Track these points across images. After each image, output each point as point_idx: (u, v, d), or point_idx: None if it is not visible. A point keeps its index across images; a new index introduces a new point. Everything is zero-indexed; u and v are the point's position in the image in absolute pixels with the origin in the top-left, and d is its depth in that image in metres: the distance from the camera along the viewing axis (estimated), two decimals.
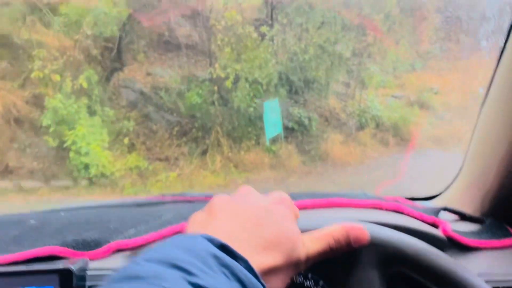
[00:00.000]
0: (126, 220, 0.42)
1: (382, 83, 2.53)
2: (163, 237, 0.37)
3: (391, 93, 2.65)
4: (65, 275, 0.35)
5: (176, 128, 2.76)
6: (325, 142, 2.69)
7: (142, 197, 0.59)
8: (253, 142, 3.08)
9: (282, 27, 3.03)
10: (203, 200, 0.49)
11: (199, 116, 2.95)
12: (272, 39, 3.08)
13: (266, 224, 0.23)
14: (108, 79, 2.60)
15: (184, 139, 2.89)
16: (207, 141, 3.09)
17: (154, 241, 0.37)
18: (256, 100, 3.09)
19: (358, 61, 2.74)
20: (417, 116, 2.41)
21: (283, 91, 2.90)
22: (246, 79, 3.11)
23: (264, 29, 2.97)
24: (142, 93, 2.62)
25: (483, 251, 0.47)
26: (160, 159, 2.62)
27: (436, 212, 0.50)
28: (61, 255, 0.37)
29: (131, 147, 2.53)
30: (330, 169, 2.47)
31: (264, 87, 3.08)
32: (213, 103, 3.17)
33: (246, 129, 3.16)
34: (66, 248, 0.38)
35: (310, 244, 0.25)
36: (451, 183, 0.60)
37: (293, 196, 0.39)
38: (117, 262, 0.37)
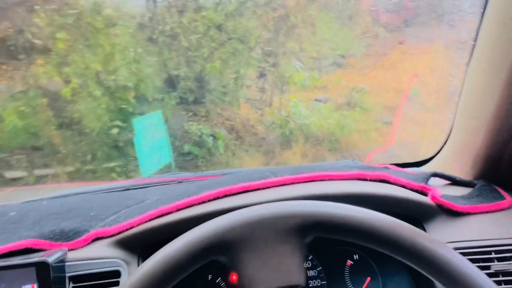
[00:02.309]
0: (107, 207, 0.80)
1: (305, 82, 3.27)
2: (140, 223, 0.76)
3: (313, 96, 3.39)
4: (42, 267, 0.64)
5: None
6: None
7: (130, 180, 0.98)
8: None
9: None
10: (192, 180, 0.90)
11: (27, 149, 3.00)
12: (133, 16, 3.32)
13: None
14: None
15: None
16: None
17: (131, 227, 0.76)
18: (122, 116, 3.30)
19: (273, 49, 3.37)
20: (357, 121, 3.18)
21: (169, 99, 3.26)
22: (100, 83, 3.24)
23: None
24: None
25: (474, 216, 0.77)
26: None
27: (426, 178, 0.86)
28: (37, 247, 0.71)
29: None
30: None
31: (134, 94, 3.27)
32: (47, 125, 3.20)
33: (106, 164, 3.28)
34: (42, 240, 0.71)
35: None
36: (442, 147, 1.03)
37: (275, 172, 0.83)
38: (97, 250, 0.74)
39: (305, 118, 3.21)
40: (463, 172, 0.95)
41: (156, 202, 0.79)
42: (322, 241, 0.83)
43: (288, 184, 0.81)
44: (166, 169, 3.24)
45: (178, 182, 0.99)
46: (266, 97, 3.32)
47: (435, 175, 0.92)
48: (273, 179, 0.81)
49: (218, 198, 0.78)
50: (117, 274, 0.71)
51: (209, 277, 0.81)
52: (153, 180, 1.02)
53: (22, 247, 0.70)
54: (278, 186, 0.81)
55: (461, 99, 0.96)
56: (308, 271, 0.84)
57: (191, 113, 3.22)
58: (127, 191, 0.98)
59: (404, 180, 0.84)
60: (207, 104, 3.23)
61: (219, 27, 3.33)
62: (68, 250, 0.73)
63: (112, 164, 3.26)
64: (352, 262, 0.86)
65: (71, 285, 0.69)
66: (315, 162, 3.08)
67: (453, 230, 0.76)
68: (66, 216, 0.79)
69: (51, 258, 0.67)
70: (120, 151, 3.24)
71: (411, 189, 0.83)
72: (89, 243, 0.75)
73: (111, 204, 0.85)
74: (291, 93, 3.28)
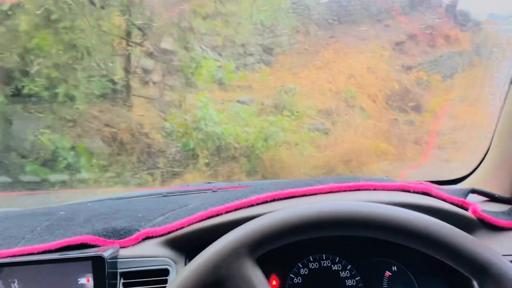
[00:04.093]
0: (153, 209, 1.22)
1: (218, 75, 3.67)
2: (190, 224, 1.13)
3: (234, 96, 3.81)
4: (98, 262, 1.03)
5: None
6: None
7: (167, 188, 1.38)
8: None
9: None
10: (227, 189, 1.30)
11: None
12: None
13: None
14: None
15: None
16: None
17: (182, 227, 1.13)
18: None
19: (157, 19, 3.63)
20: (286, 129, 3.62)
21: None
22: None
23: None
24: None
25: None
26: None
27: (465, 194, 1.23)
28: (93, 243, 1.12)
29: None
30: None
31: None
32: None
33: None
34: (96, 236, 1.07)
35: None
36: (478, 166, 1.53)
37: (320, 181, 1.28)
38: (147, 249, 1.10)
39: (216, 125, 3.52)
40: (501, 189, 1.39)
41: (202, 205, 1.17)
42: (362, 252, 1.26)
43: (334, 192, 1.20)
44: None
45: (213, 191, 1.43)
46: (172, 96, 3.62)
47: (473, 191, 1.32)
48: (320, 186, 1.20)
49: (266, 202, 1.17)
50: (165, 272, 1.07)
51: None
52: (188, 188, 1.49)
53: (79, 242, 1.06)
54: (324, 193, 1.21)
55: (501, 117, 1.42)
56: (346, 280, 1.25)
57: (52, 116, 3.16)
58: (165, 197, 1.43)
59: (445, 194, 1.23)
60: (76, 102, 3.22)
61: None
62: (120, 248, 1.09)
63: None
64: (390, 274, 1.25)
65: (122, 280, 1.05)
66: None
67: (494, 244, 1.07)
68: (115, 216, 1.19)
69: (106, 253, 1.03)
70: None
71: (452, 203, 1.19)
72: (139, 242, 1.11)
73: (155, 207, 1.26)
74: (208, 91, 3.64)
